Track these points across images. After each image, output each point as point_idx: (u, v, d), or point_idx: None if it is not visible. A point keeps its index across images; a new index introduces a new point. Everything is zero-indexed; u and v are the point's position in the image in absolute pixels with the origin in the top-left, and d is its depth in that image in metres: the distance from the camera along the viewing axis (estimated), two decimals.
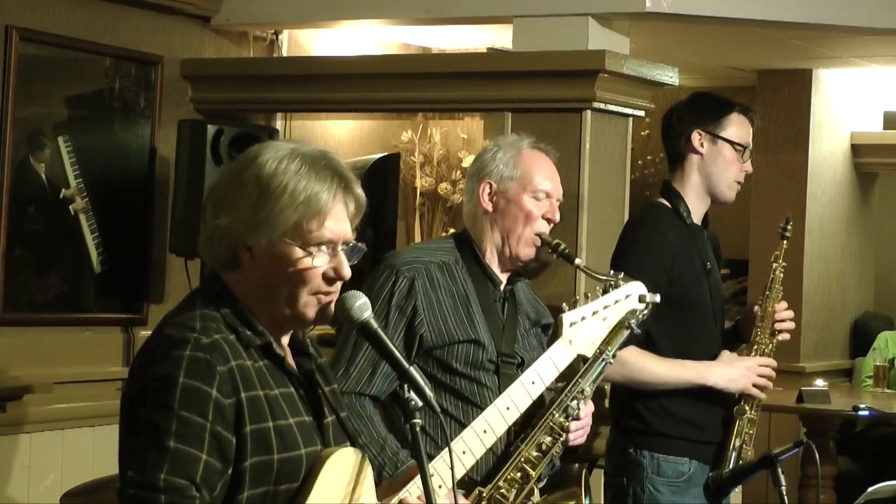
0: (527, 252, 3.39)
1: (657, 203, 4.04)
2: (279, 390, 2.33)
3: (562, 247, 3.44)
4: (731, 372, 3.89)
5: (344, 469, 2.36)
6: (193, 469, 2.19)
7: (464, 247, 3.39)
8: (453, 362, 3.25)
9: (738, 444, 3.92)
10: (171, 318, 2.34)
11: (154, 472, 2.17)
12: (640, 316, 3.34)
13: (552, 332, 3.31)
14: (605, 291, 3.29)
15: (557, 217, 3.43)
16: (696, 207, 4.00)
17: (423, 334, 3.24)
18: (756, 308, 4.02)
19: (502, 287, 3.40)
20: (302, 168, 2.33)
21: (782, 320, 4.00)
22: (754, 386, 3.91)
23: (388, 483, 2.99)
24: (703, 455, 3.91)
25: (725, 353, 3.94)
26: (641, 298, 3.28)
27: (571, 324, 3.18)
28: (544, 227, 3.40)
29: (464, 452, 3.01)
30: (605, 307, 3.24)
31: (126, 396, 2.31)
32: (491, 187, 3.38)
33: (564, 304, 3.23)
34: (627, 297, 3.28)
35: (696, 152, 3.96)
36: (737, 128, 3.98)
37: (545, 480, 3.27)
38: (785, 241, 4.05)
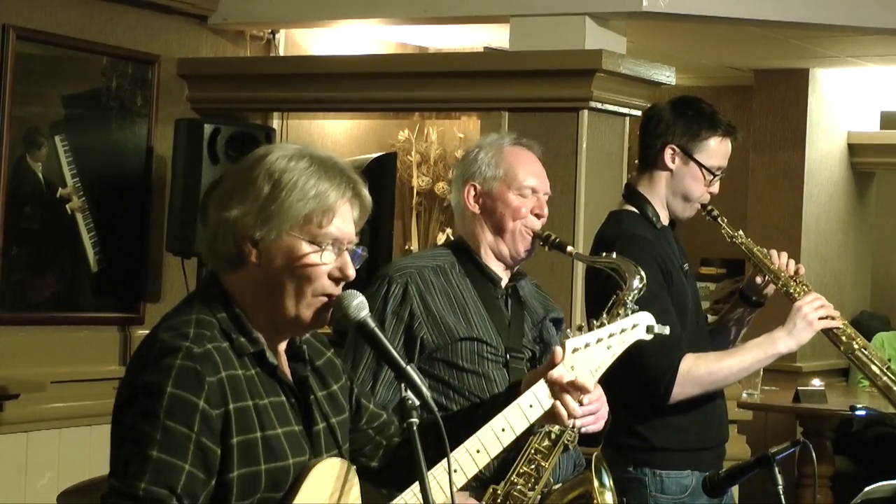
0: (525, 245, 3.35)
1: (623, 210, 3.89)
2: (269, 399, 2.33)
3: (552, 237, 3.37)
4: (790, 326, 3.82)
5: (329, 478, 2.35)
6: (175, 479, 2.19)
7: (460, 252, 3.37)
8: (459, 360, 3.24)
9: (876, 370, 3.87)
10: (167, 321, 2.34)
11: (134, 482, 2.18)
12: (636, 295, 3.32)
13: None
14: (611, 319, 3.24)
15: (546, 211, 3.38)
16: (662, 214, 3.93)
17: (423, 337, 3.23)
18: (758, 279, 3.96)
19: (503, 284, 3.38)
20: (312, 166, 2.35)
21: (787, 264, 3.93)
22: (821, 319, 3.84)
23: None
24: (703, 464, 3.83)
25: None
26: (650, 329, 3.20)
27: (574, 350, 3.13)
28: (535, 223, 3.35)
29: (455, 471, 2.96)
30: (611, 335, 3.16)
31: (117, 399, 2.31)
32: (475, 189, 3.35)
33: (568, 330, 3.17)
34: (635, 326, 3.18)
35: (667, 168, 3.87)
36: (714, 150, 3.82)
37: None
38: (721, 220, 3.87)
